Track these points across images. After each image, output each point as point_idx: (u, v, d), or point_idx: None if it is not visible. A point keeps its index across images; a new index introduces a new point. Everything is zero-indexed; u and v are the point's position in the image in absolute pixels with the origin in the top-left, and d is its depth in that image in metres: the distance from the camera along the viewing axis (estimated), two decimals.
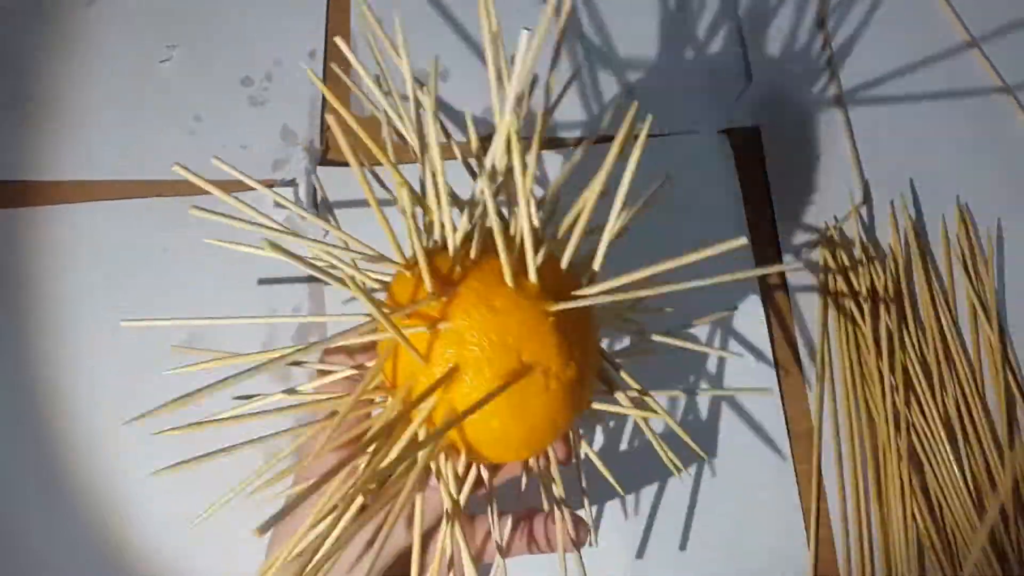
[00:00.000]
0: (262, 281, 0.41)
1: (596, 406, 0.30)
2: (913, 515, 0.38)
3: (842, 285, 0.41)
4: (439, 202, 0.25)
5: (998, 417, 0.39)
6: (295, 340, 0.40)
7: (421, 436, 0.25)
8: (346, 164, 0.43)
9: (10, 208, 0.41)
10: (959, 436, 0.39)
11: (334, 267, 0.28)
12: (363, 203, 0.41)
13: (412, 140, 0.28)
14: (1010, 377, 0.40)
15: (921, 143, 0.44)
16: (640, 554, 0.38)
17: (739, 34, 0.46)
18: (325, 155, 0.43)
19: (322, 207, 0.42)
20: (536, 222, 0.25)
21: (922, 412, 0.39)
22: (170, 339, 0.40)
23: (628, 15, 0.45)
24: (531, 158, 0.24)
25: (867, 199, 0.43)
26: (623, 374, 0.29)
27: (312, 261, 0.24)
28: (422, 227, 0.28)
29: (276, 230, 0.28)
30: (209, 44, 0.44)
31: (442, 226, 0.26)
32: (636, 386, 0.29)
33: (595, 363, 0.27)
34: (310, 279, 0.41)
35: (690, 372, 0.40)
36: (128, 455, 0.38)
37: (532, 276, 0.25)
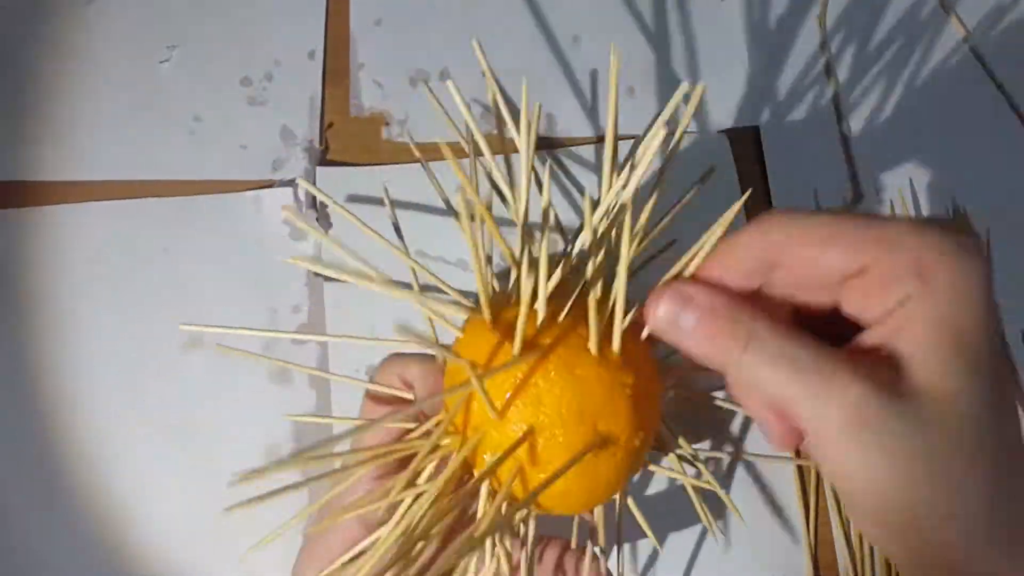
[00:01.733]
0: (262, 281, 0.41)
1: (652, 468, 0.30)
2: None
3: None
4: (537, 272, 0.25)
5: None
6: (294, 341, 0.40)
7: (483, 492, 0.26)
8: (346, 164, 0.43)
9: (10, 208, 0.41)
10: None
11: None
12: (363, 203, 0.41)
13: (508, 194, 0.28)
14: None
15: (919, 143, 0.44)
16: None
17: (739, 34, 0.46)
18: (325, 155, 0.43)
19: (321, 208, 0.42)
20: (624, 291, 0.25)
21: None
22: (171, 339, 0.40)
23: (628, 15, 0.45)
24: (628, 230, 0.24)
25: (866, 199, 0.43)
26: (680, 440, 0.30)
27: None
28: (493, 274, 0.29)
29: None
30: (209, 44, 0.44)
31: (530, 286, 0.25)
32: (689, 450, 0.30)
33: (656, 427, 0.28)
34: (309, 279, 0.41)
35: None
36: (128, 455, 0.38)
37: (616, 346, 0.25)
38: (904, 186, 0.44)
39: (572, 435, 0.25)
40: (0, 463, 0.38)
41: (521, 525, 0.28)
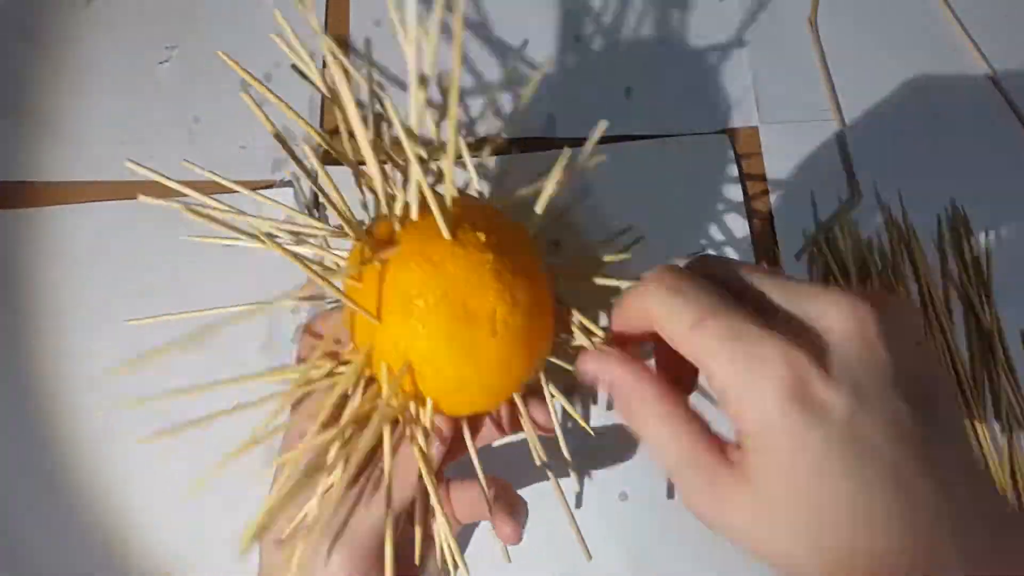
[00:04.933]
0: (260, 281, 0.40)
1: (553, 359, 0.31)
2: None
3: (841, 284, 0.41)
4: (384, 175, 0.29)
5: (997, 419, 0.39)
6: (295, 340, 0.40)
7: (385, 391, 0.27)
8: (343, 164, 0.43)
9: (10, 208, 0.41)
10: None
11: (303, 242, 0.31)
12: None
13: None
14: (1006, 380, 0.40)
15: (918, 144, 0.44)
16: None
17: (738, 34, 0.46)
18: (326, 154, 0.43)
19: (322, 207, 0.42)
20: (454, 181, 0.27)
21: None
22: (171, 339, 0.40)
23: (628, 15, 0.45)
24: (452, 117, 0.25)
25: (864, 199, 0.43)
26: (580, 317, 0.30)
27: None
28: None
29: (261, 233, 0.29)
30: (207, 45, 0.44)
31: (389, 197, 0.28)
32: (587, 323, 0.30)
33: (548, 313, 0.28)
34: (308, 279, 0.41)
35: None
36: (128, 454, 0.38)
37: (445, 233, 0.26)
38: (902, 186, 0.44)
39: (445, 317, 0.26)
40: (0, 463, 0.38)
41: (435, 425, 0.29)
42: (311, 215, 0.41)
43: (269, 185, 0.42)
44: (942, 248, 0.42)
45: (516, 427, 0.31)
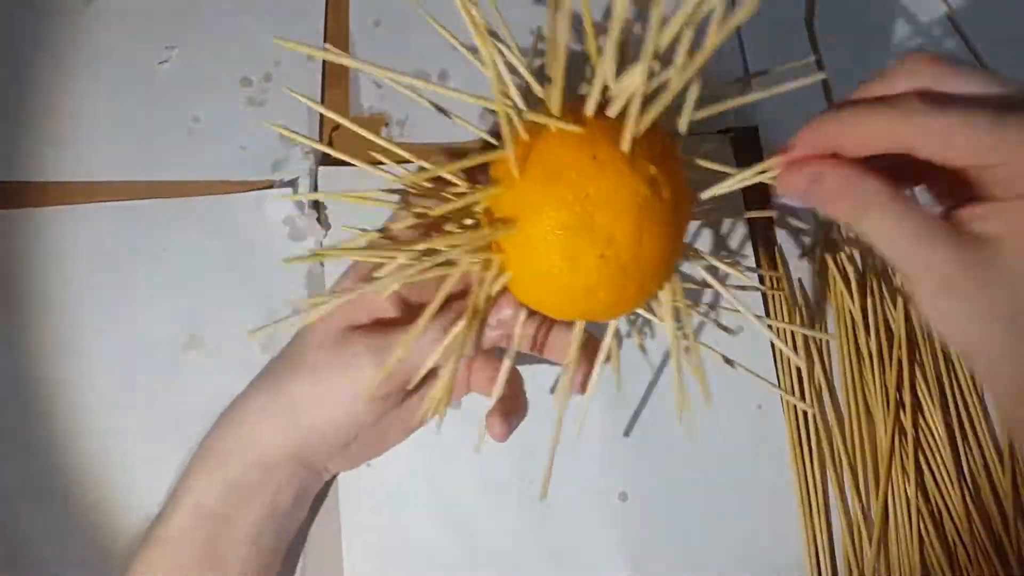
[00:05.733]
0: (262, 281, 0.41)
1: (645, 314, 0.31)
2: (919, 532, 0.38)
3: (841, 285, 0.41)
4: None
5: (996, 417, 0.39)
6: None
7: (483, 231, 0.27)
8: (346, 164, 0.43)
9: (10, 208, 0.41)
10: (958, 438, 0.39)
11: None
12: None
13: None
14: None
15: None
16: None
17: (737, 34, 0.46)
18: (325, 155, 0.43)
19: (321, 209, 0.42)
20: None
21: (922, 413, 0.39)
22: (171, 339, 0.40)
23: (628, 15, 0.45)
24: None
25: None
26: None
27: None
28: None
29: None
30: (208, 45, 0.44)
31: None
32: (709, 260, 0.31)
33: (663, 268, 0.28)
34: (309, 280, 0.41)
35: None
36: (128, 455, 0.38)
37: (625, 145, 0.26)
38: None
39: (569, 211, 0.25)
40: (0, 463, 0.38)
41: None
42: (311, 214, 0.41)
43: (269, 185, 0.42)
44: None
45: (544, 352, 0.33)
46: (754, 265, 0.42)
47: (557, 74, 0.26)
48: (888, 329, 0.40)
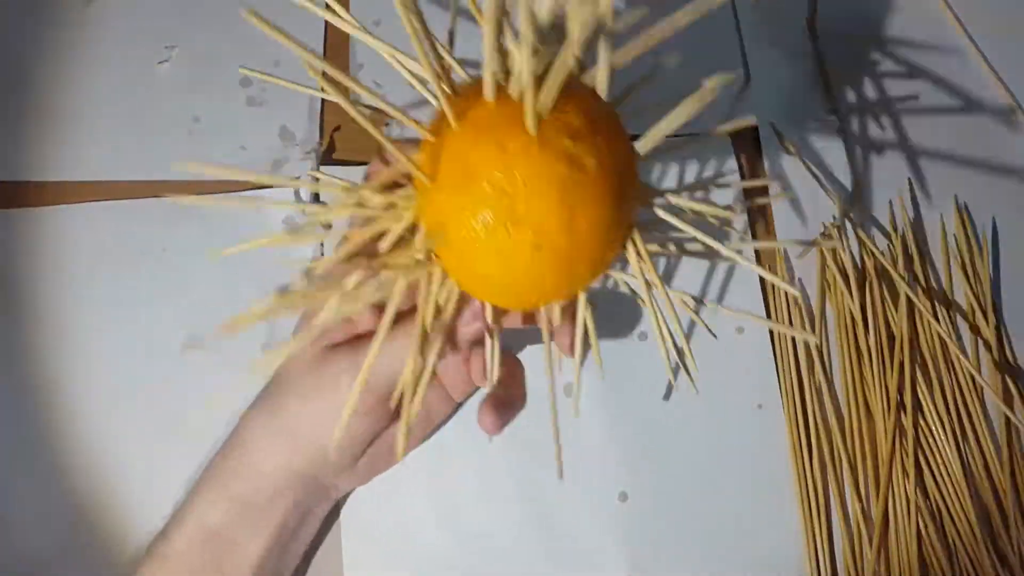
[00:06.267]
0: (262, 281, 0.41)
1: (615, 274, 0.29)
2: (919, 532, 0.38)
3: (841, 285, 0.41)
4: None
5: (996, 416, 0.39)
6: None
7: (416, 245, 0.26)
8: (347, 164, 0.43)
9: (10, 208, 0.41)
10: (958, 436, 0.39)
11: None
12: None
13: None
14: (1008, 378, 0.40)
15: (920, 142, 0.44)
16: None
17: (738, 34, 0.46)
18: (326, 155, 0.43)
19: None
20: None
21: (922, 413, 0.39)
22: (171, 339, 0.40)
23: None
24: None
25: (865, 198, 0.43)
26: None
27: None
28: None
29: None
30: (208, 45, 0.44)
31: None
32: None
33: (609, 243, 0.26)
34: (309, 280, 0.41)
35: None
36: (128, 455, 0.38)
37: (530, 123, 0.24)
38: (903, 185, 0.44)
39: (491, 210, 0.24)
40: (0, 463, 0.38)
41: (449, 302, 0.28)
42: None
43: (269, 185, 0.42)
44: (946, 246, 0.43)
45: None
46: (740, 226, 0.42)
47: (427, 69, 0.25)
48: (888, 329, 0.40)
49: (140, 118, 0.43)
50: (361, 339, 0.32)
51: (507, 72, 0.25)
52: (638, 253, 0.28)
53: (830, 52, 0.46)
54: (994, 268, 0.43)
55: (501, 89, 0.25)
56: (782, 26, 0.46)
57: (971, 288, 0.41)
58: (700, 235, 0.29)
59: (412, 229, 0.27)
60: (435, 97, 0.26)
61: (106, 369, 0.39)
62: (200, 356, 0.40)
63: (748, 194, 0.42)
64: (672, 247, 0.33)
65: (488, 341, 0.29)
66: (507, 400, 0.32)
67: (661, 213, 0.30)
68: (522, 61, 0.23)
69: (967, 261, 0.42)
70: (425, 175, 0.25)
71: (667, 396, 0.39)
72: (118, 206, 0.41)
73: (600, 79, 0.26)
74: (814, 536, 0.38)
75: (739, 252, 0.29)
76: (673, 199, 0.30)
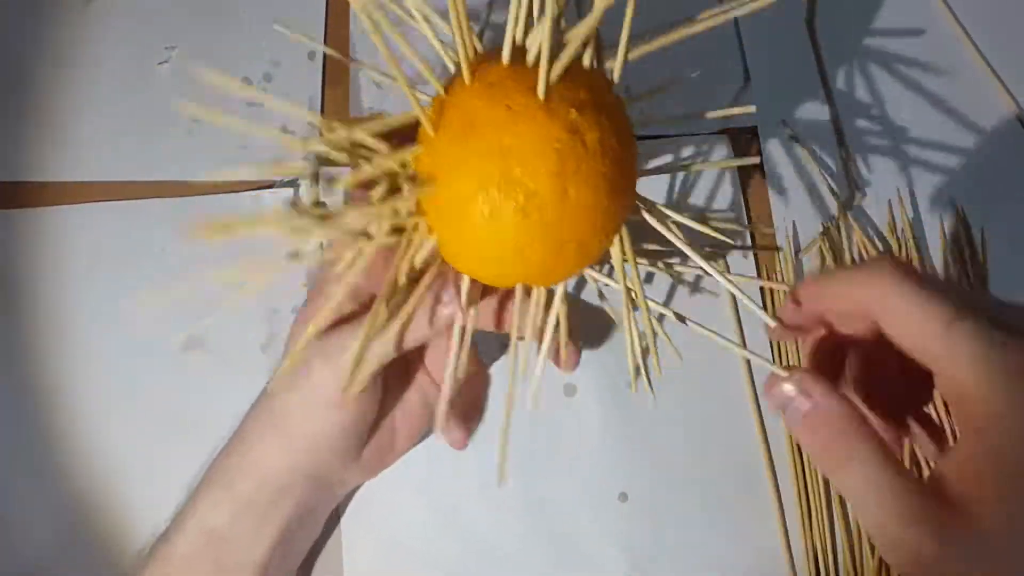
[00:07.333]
0: (261, 281, 0.41)
1: (589, 274, 0.29)
2: None
3: None
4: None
5: None
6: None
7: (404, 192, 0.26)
8: (347, 164, 0.43)
9: (10, 208, 0.41)
10: (958, 435, 0.39)
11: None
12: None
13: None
14: None
15: (919, 143, 0.44)
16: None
17: (737, 34, 0.46)
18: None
19: (323, 207, 0.42)
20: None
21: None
22: (171, 339, 0.40)
23: (626, 16, 0.45)
24: None
25: (865, 199, 0.43)
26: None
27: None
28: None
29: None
30: (208, 45, 0.44)
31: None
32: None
33: (605, 223, 0.26)
34: (309, 279, 0.41)
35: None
36: (128, 455, 0.38)
37: (540, 90, 0.24)
38: (902, 185, 0.44)
39: (486, 165, 0.24)
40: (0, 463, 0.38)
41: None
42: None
43: (269, 185, 0.42)
44: (945, 246, 0.43)
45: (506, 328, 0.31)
46: (742, 245, 0.42)
47: (462, 24, 0.25)
48: None
49: (140, 118, 0.43)
50: (338, 323, 0.31)
51: (525, 46, 0.26)
52: (623, 253, 0.28)
53: (830, 52, 0.46)
54: (993, 269, 0.43)
55: (516, 56, 0.26)
56: (782, 26, 0.46)
57: (969, 288, 0.41)
58: (689, 250, 0.30)
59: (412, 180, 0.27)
60: (455, 53, 0.26)
61: (106, 369, 0.39)
62: (200, 356, 0.40)
63: (748, 200, 0.42)
64: (660, 264, 0.33)
65: (458, 326, 0.28)
66: (470, 412, 0.31)
67: (652, 222, 0.30)
68: (543, 29, 0.23)
69: (965, 262, 0.42)
70: (431, 125, 0.25)
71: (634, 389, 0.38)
72: (118, 206, 0.41)
73: (616, 64, 0.27)
74: (814, 537, 0.38)
75: (727, 270, 0.29)
76: (667, 211, 0.30)
